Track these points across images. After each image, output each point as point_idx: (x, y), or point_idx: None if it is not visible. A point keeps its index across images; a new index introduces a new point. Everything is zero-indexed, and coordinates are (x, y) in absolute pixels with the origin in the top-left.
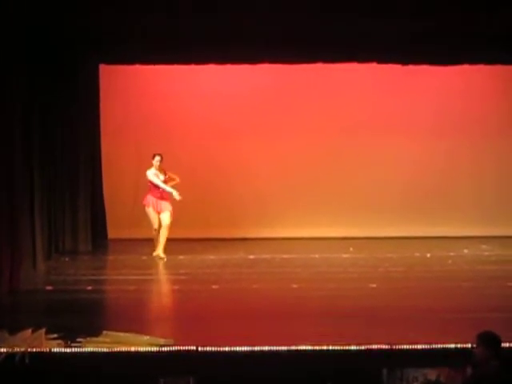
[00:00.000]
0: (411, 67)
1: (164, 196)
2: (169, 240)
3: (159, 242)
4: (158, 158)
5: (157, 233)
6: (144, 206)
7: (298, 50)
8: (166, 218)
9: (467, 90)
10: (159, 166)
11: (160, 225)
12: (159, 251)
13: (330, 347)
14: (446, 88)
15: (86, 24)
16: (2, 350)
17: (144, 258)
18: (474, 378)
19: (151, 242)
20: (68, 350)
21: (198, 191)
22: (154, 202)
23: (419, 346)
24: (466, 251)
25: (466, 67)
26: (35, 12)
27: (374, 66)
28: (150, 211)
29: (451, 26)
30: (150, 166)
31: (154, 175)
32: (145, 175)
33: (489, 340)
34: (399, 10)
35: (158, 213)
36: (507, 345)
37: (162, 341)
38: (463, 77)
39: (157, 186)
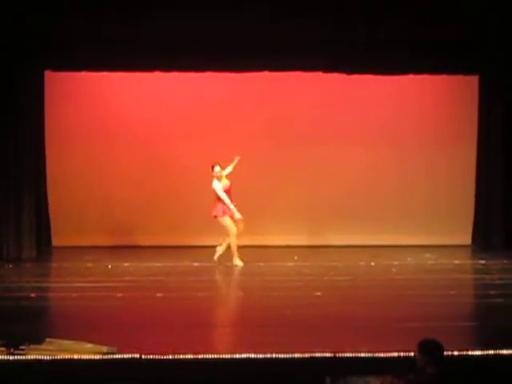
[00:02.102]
0: (363, 75)
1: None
2: (111, 248)
3: (234, 250)
4: (217, 169)
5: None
6: (216, 218)
7: (244, 58)
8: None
9: (419, 97)
10: (220, 175)
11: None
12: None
13: (274, 355)
14: (398, 96)
15: (31, 31)
16: None
17: (89, 265)
18: None
19: (95, 250)
20: (11, 357)
21: (143, 198)
22: (227, 210)
23: (362, 354)
24: (409, 260)
25: (415, 77)
26: None
27: (326, 75)
28: (227, 219)
29: (396, 36)
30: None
31: (220, 189)
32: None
33: (427, 347)
34: (344, 19)
35: (232, 217)
36: (450, 353)
37: (105, 348)
38: (415, 85)
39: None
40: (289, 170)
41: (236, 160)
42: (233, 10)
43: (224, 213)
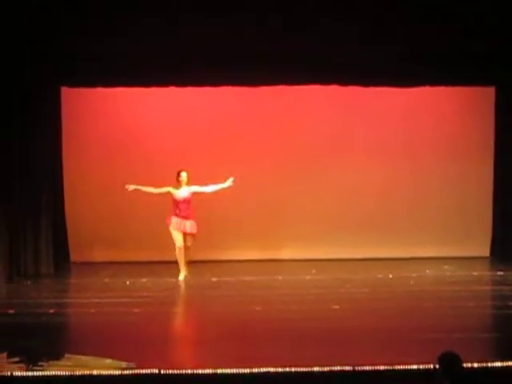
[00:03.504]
0: (379, 88)
1: (187, 214)
2: (132, 263)
3: (181, 264)
4: (183, 174)
5: (181, 252)
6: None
7: (259, 72)
8: (188, 239)
9: (434, 110)
10: (184, 182)
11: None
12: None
13: (293, 369)
14: (413, 109)
15: (47, 47)
16: None
17: (106, 280)
18: None
19: (113, 265)
20: (30, 373)
21: (160, 213)
22: (176, 221)
23: (381, 368)
24: (428, 272)
25: (431, 89)
26: None
27: (341, 87)
28: (172, 230)
29: (412, 48)
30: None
31: (158, 188)
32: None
33: (446, 360)
34: (360, 32)
35: (183, 232)
36: (469, 365)
37: (124, 364)
38: (431, 97)
39: (177, 204)
40: (304, 183)
41: (230, 181)
42: (247, 23)
43: (170, 223)
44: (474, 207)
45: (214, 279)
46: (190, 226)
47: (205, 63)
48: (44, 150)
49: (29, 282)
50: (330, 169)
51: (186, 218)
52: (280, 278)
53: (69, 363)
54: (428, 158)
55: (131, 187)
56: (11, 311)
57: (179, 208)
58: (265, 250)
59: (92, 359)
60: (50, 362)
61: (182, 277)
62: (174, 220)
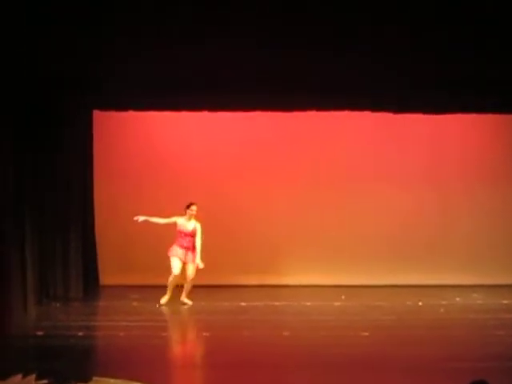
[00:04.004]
0: (404, 115)
1: (191, 246)
2: (160, 287)
3: (169, 289)
4: (192, 207)
5: (175, 280)
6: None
7: (291, 98)
8: (191, 270)
9: (461, 137)
10: (193, 215)
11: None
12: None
13: None
14: (440, 136)
15: (78, 71)
16: None
17: (135, 304)
18: None
19: (142, 289)
20: None
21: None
22: (177, 251)
23: None
24: (457, 300)
25: (460, 117)
26: (26, 61)
27: (367, 114)
28: (171, 259)
29: (443, 75)
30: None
31: (167, 220)
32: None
33: None
34: (392, 58)
35: (184, 263)
36: None
37: None
38: (458, 125)
39: (182, 235)
40: (333, 210)
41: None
42: (279, 49)
43: (170, 251)
44: (503, 235)
45: (243, 304)
46: (192, 257)
47: (237, 88)
48: (75, 173)
49: (58, 305)
50: (359, 195)
51: (188, 249)
52: (309, 303)
53: None
54: (455, 185)
55: (140, 218)
56: (40, 333)
57: (185, 239)
58: (294, 276)
59: (120, 382)
60: None
61: (164, 300)
62: (179, 251)
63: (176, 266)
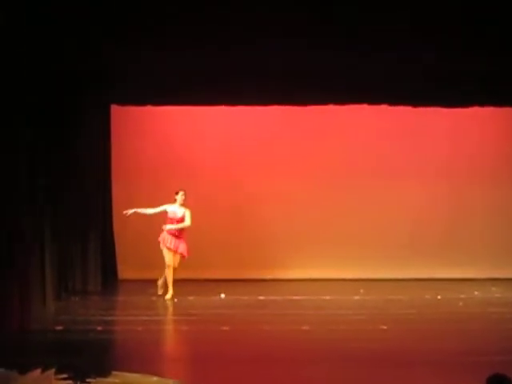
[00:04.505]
0: (420, 109)
1: (180, 234)
2: (179, 280)
3: (170, 283)
4: (181, 193)
5: (171, 271)
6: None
7: (309, 92)
8: (177, 259)
9: (477, 132)
10: (182, 202)
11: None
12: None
13: None
14: (456, 130)
15: (96, 65)
16: None
17: (153, 298)
18: None
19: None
20: None
21: (207, 232)
22: (168, 239)
23: None
24: (476, 293)
25: (477, 110)
26: (43, 55)
27: (382, 108)
28: (164, 250)
29: (462, 68)
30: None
31: (158, 208)
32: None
33: (493, 381)
34: (411, 51)
35: (174, 252)
36: None
37: (170, 382)
38: (474, 119)
39: (172, 222)
40: (350, 204)
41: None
42: (296, 45)
43: (163, 243)
44: None
45: (262, 298)
46: (182, 247)
47: (255, 83)
48: (93, 167)
49: (77, 299)
50: (376, 189)
51: (178, 237)
52: (328, 297)
53: (116, 380)
54: (473, 178)
55: (129, 212)
56: (59, 328)
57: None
58: (312, 270)
59: (139, 377)
60: (98, 379)
61: (169, 296)
62: (168, 238)
63: (168, 256)
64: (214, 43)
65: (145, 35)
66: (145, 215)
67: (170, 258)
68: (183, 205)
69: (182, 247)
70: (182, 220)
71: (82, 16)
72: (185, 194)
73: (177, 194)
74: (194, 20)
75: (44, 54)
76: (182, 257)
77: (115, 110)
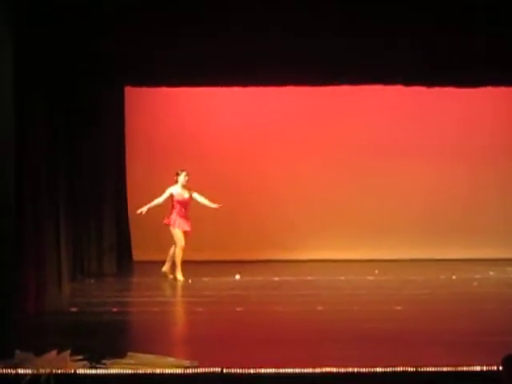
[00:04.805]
0: (434, 89)
1: (187, 215)
2: (193, 262)
3: (179, 264)
4: (184, 174)
5: (181, 252)
6: (168, 226)
7: (323, 72)
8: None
9: (492, 112)
10: (186, 183)
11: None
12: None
13: (356, 369)
14: (471, 110)
15: (110, 47)
16: (28, 371)
17: (169, 279)
18: None
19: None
20: (93, 371)
21: (221, 213)
22: (180, 221)
23: (444, 369)
24: (491, 273)
25: (491, 90)
26: (58, 36)
27: (395, 88)
28: (176, 230)
29: (476, 48)
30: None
31: (167, 193)
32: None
33: (510, 361)
34: (425, 31)
35: (187, 233)
36: None
37: (186, 363)
38: (488, 99)
39: (182, 204)
40: (365, 184)
41: (215, 205)
42: (309, 24)
43: (178, 226)
44: None
45: (276, 279)
46: (188, 225)
47: (269, 63)
48: (107, 149)
49: (92, 281)
50: (391, 170)
51: (186, 218)
52: (342, 278)
53: (132, 361)
54: (487, 158)
55: (144, 209)
56: (74, 309)
57: (184, 208)
58: (327, 251)
59: (154, 358)
60: (113, 361)
61: (181, 275)
62: (178, 220)
63: (180, 237)
64: (227, 24)
65: (157, 18)
66: (157, 205)
67: (182, 239)
68: (186, 186)
69: (189, 225)
70: (189, 201)
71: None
72: (188, 175)
73: (178, 174)
74: (207, 3)
75: (60, 34)
76: (187, 234)
77: (128, 91)
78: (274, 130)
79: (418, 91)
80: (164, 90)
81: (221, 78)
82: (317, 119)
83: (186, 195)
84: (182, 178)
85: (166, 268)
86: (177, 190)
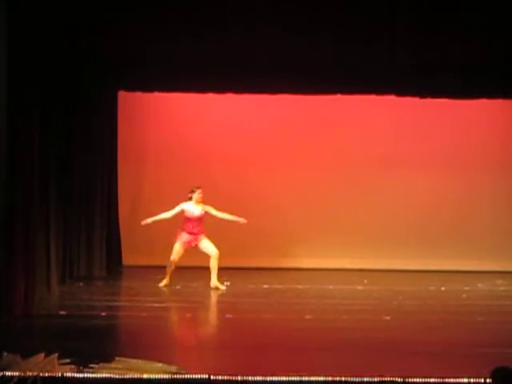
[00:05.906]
0: (428, 100)
1: (199, 231)
2: (182, 268)
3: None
4: (199, 191)
5: (172, 265)
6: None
7: (316, 81)
8: (212, 248)
9: (485, 122)
10: (200, 200)
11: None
12: (216, 281)
13: (343, 378)
14: (464, 120)
15: (104, 51)
16: (15, 373)
17: (158, 284)
18: None
19: (165, 270)
20: (80, 375)
21: (212, 220)
22: (185, 237)
23: (432, 380)
24: (480, 286)
25: (484, 101)
26: (51, 39)
27: (390, 98)
28: (176, 244)
29: (470, 60)
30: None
31: (176, 210)
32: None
33: (501, 375)
34: (418, 42)
35: (195, 246)
36: None
37: (174, 368)
38: (482, 109)
39: (191, 221)
40: (357, 193)
41: (241, 219)
42: (303, 33)
43: (175, 237)
44: None
45: (266, 286)
46: (201, 239)
47: (263, 70)
48: (99, 153)
49: (81, 284)
50: (381, 180)
51: (197, 234)
52: (331, 287)
53: (120, 366)
54: (478, 170)
55: (148, 221)
56: (63, 313)
57: (193, 225)
58: (317, 259)
59: (142, 363)
60: (101, 365)
61: (163, 283)
62: (185, 236)
63: (177, 251)
64: (222, 30)
65: (152, 22)
66: (164, 219)
67: (177, 254)
68: (201, 202)
69: (202, 240)
70: (201, 217)
71: (90, 2)
72: (202, 192)
73: (193, 192)
74: (202, 8)
75: (55, 36)
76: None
77: (122, 96)
78: (267, 137)
79: (412, 101)
80: (157, 94)
81: (214, 85)
82: (312, 127)
83: (197, 212)
84: (196, 195)
85: (213, 282)
86: (188, 207)
